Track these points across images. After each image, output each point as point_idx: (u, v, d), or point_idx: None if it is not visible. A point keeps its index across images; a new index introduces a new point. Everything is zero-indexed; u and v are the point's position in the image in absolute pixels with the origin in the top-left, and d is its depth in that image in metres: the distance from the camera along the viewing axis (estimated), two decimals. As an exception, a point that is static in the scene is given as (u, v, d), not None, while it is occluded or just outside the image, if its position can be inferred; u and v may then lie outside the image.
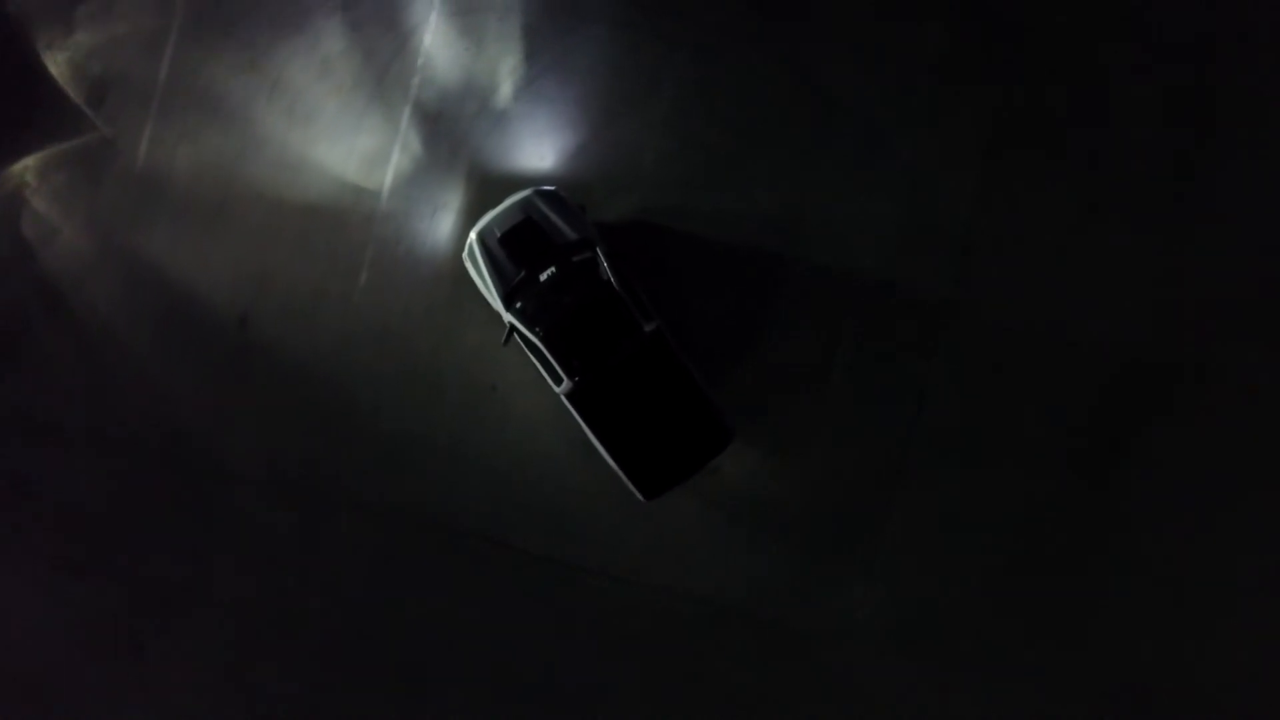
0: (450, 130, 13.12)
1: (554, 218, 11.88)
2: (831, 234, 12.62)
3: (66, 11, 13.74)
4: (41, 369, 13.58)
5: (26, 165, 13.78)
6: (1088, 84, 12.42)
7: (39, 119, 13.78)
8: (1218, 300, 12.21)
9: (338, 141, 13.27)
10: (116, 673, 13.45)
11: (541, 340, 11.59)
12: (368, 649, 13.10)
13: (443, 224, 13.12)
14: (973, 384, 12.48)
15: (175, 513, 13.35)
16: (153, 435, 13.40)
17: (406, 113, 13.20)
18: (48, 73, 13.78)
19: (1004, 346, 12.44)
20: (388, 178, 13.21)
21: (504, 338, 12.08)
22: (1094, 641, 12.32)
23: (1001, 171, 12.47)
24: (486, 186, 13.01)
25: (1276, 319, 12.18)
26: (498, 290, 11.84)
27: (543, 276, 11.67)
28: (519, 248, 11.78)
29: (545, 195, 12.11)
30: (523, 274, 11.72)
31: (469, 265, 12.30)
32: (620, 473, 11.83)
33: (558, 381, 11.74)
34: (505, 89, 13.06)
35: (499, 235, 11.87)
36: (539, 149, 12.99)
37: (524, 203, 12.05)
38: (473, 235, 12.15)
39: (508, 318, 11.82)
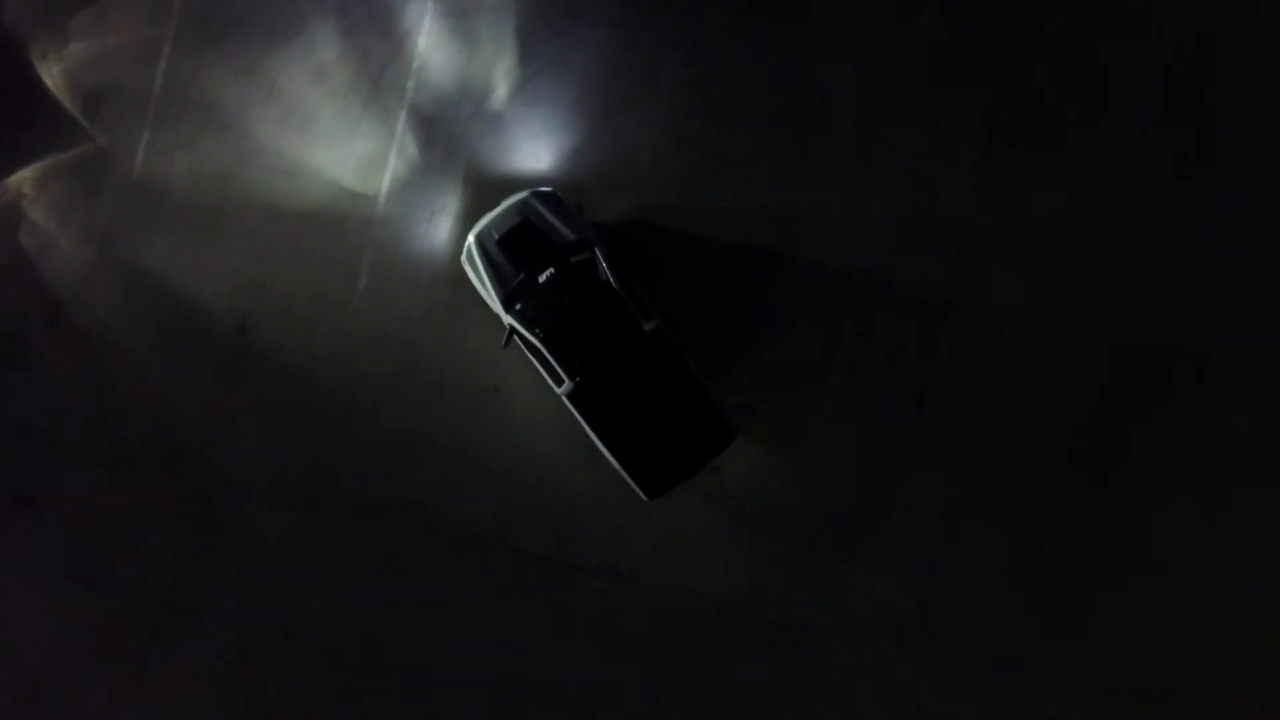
0: (446, 133, 13.13)
1: (552, 219, 11.88)
2: (829, 232, 12.63)
3: (61, 22, 13.75)
4: (42, 378, 13.58)
5: (23, 176, 13.79)
6: (1084, 78, 12.43)
7: (35, 130, 13.80)
8: (1217, 293, 12.20)
9: (334, 147, 13.28)
10: (121, 678, 13.45)
11: (541, 341, 11.60)
12: (371, 651, 13.10)
13: (440, 227, 13.13)
14: (972, 380, 12.47)
15: (177, 518, 13.35)
16: (153, 442, 13.40)
17: (402, 117, 13.21)
18: (43, 84, 13.80)
19: (1003, 342, 12.44)
20: (385, 182, 13.22)
21: (504, 340, 12.08)
22: (1096, 636, 12.30)
23: (999, 167, 12.47)
24: (484, 189, 13.01)
25: (1275, 311, 12.18)
26: (497, 292, 11.84)
27: (541, 278, 11.67)
28: (517, 250, 11.78)
29: (542, 197, 12.12)
30: (521, 276, 11.72)
31: (467, 268, 12.30)
32: (623, 472, 11.83)
33: (558, 382, 11.74)
34: (500, 91, 13.07)
35: (497, 238, 11.87)
36: (535, 150, 12.99)
37: (521, 204, 12.05)
38: (471, 238, 12.16)
39: (507, 320, 11.82)
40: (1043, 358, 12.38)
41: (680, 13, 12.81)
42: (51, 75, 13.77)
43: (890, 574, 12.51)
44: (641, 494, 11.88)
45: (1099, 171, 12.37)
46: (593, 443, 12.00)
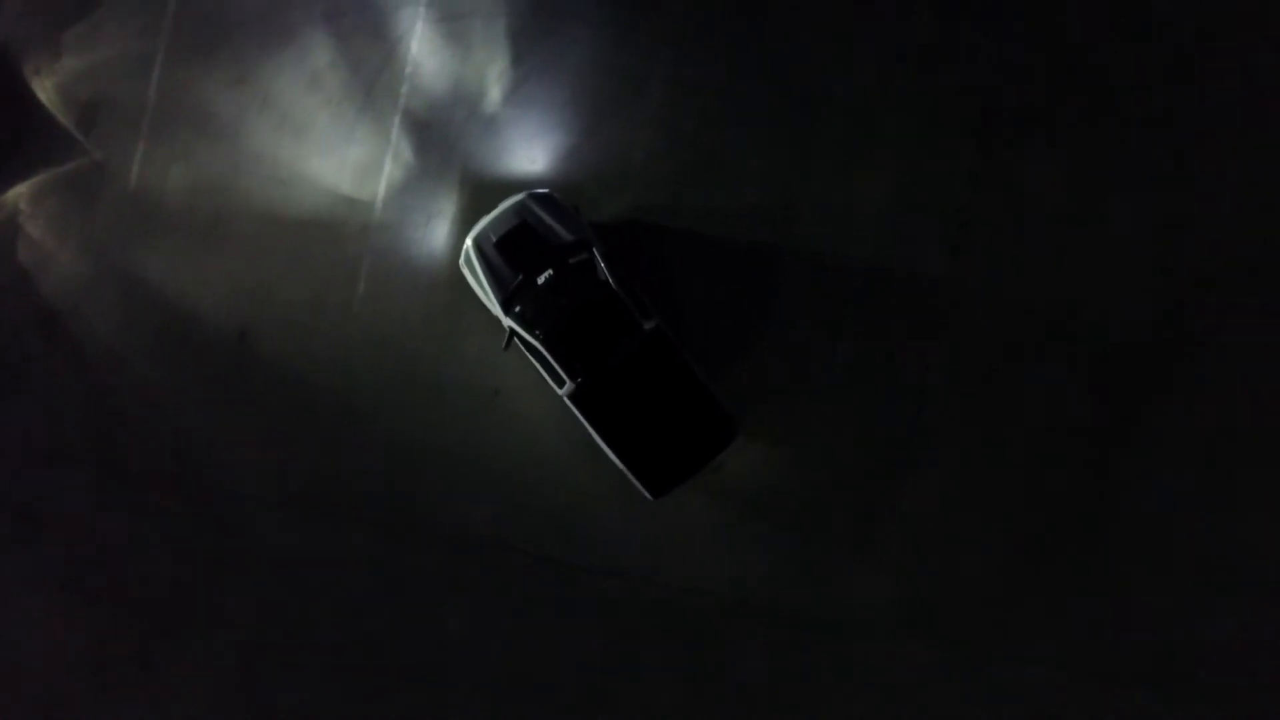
0: (441, 137, 13.14)
1: (549, 220, 11.88)
2: (826, 225, 12.64)
3: (53, 37, 13.74)
4: (43, 393, 13.57)
5: (19, 192, 13.78)
6: (1080, 70, 12.43)
7: (30, 145, 13.78)
8: (1216, 285, 12.22)
9: (329, 154, 13.28)
10: (126, 689, 13.44)
11: (542, 343, 11.61)
12: (376, 656, 13.09)
13: (438, 231, 13.13)
14: (974, 369, 12.49)
15: (180, 528, 13.34)
16: (156, 453, 13.40)
17: (397, 122, 13.21)
18: (36, 99, 13.79)
19: (1004, 330, 12.45)
20: (381, 188, 13.22)
21: (504, 342, 12.09)
22: (1105, 623, 12.32)
23: (995, 161, 12.48)
24: (480, 192, 13.02)
25: (1274, 302, 12.19)
26: (496, 295, 11.85)
27: (540, 279, 11.68)
28: (515, 252, 11.79)
29: (539, 198, 12.12)
30: (520, 278, 11.73)
31: (466, 272, 12.31)
32: (627, 472, 11.84)
33: (560, 383, 11.75)
34: (494, 94, 13.08)
35: (495, 240, 11.88)
36: (530, 152, 13.00)
37: (518, 207, 12.06)
38: (468, 241, 12.16)
39: (507, 322, 11.83)
40: (1044, 340, 12.40)
41: (671, 11, 12.82)
42: (45, 90, 13.77)
43: (894, 569, 12.53)
44: (645, 493, 11.89)
45: (1096, 164, 12.38)
46: (595, 443, 12.00)
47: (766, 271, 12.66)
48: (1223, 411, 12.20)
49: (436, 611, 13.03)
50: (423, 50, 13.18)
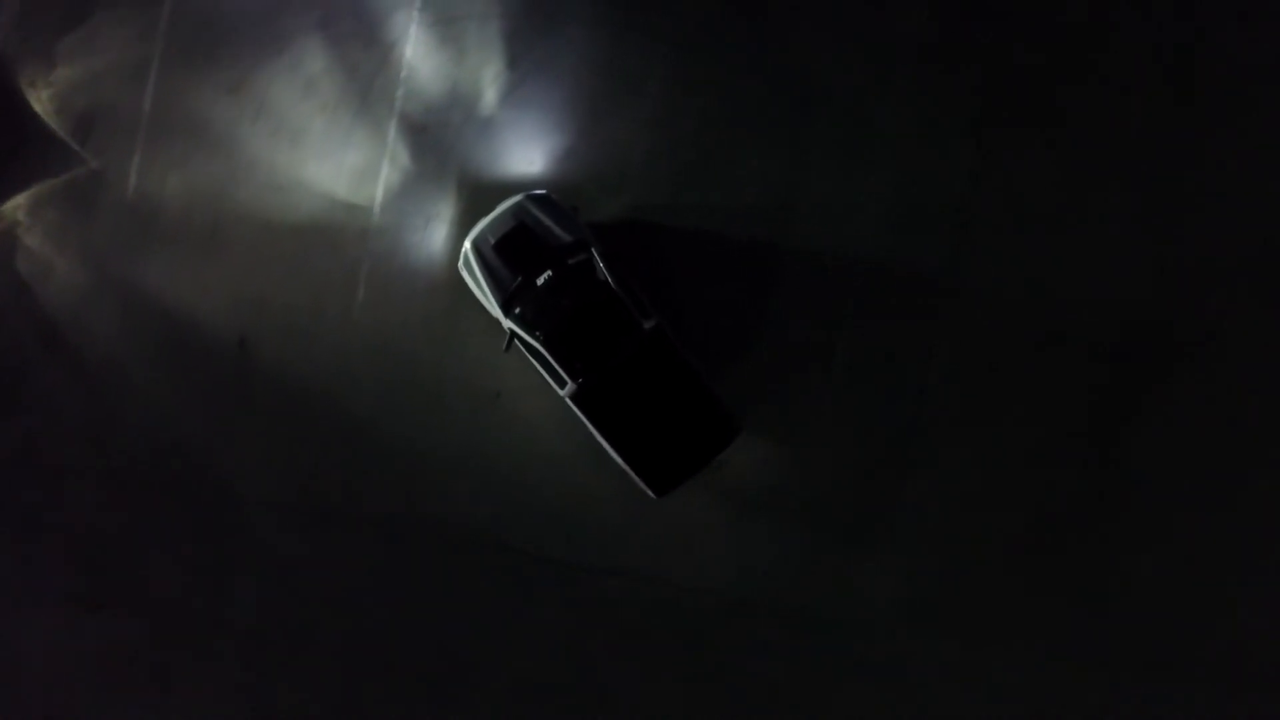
0: (438, 141, 13.13)
1: (547, 221, 11.89)
2: (826, 224, 12.63)
3: (47, 47, 13.74)
4: (44, 404, 13.58)
5: (17, 204, 13.79)
6: (1076, 59, 12.43)
7: (26, 156, 13.79)
8: (1215, 278, 12.22)
9: (326, 159, 13.28)
10: (138, 704, 13.45)
11: (542, 344, 11.61)
12: (381, 660, 13.10)
13: (436, 235, 13.13)
14: (974, 368, 12.49)
15: (183, 536, 13.36)
16: (158, 462, 13.40)
17: (393, 126, 13.21)
18: (32, 110, 13.79)
19: (1004, 329, 12.44)
20: (378, 192, 13.22)
21: (505, 344, 12.10)
22: (1106, 620, 12.33)
23: (992, 155, 12.48)
24: (477, 194, 13.02)
25: (1273, 295, 12.19)
26: (495, 297, 11.86)
27: (540, 281, 11.68)
28: (514, 254, 11.79)
29: (537, 199, 12.12)
30: (519, 279, 11.73)
31: (465, 274, 12.31)
32: (629, 471, 11.84)
33: (561, 384, 11.76)
34: (490, 96, 13.07)
35: (493, 242, 11.88)
36: (527, 154, 13.00)
37: (516, 208, 12.06)
38: (467, 244, 12.17)
39: (507, 324, 11.83)
40: (1045, 331, 12.40)
41: (666, 10, 12.81)
42: (40, 100, 13.77)
43: (895, 567, 12.53)
44: (649, 492, 11.90)
45: (1095, 162, 12.37)
46: (597, 443, 12.01)
47: (766, 271, 12.66)
48: (1223, 410, 12.20)
49: (439, 613, 13.03)
50: (417, 54, 13.18)
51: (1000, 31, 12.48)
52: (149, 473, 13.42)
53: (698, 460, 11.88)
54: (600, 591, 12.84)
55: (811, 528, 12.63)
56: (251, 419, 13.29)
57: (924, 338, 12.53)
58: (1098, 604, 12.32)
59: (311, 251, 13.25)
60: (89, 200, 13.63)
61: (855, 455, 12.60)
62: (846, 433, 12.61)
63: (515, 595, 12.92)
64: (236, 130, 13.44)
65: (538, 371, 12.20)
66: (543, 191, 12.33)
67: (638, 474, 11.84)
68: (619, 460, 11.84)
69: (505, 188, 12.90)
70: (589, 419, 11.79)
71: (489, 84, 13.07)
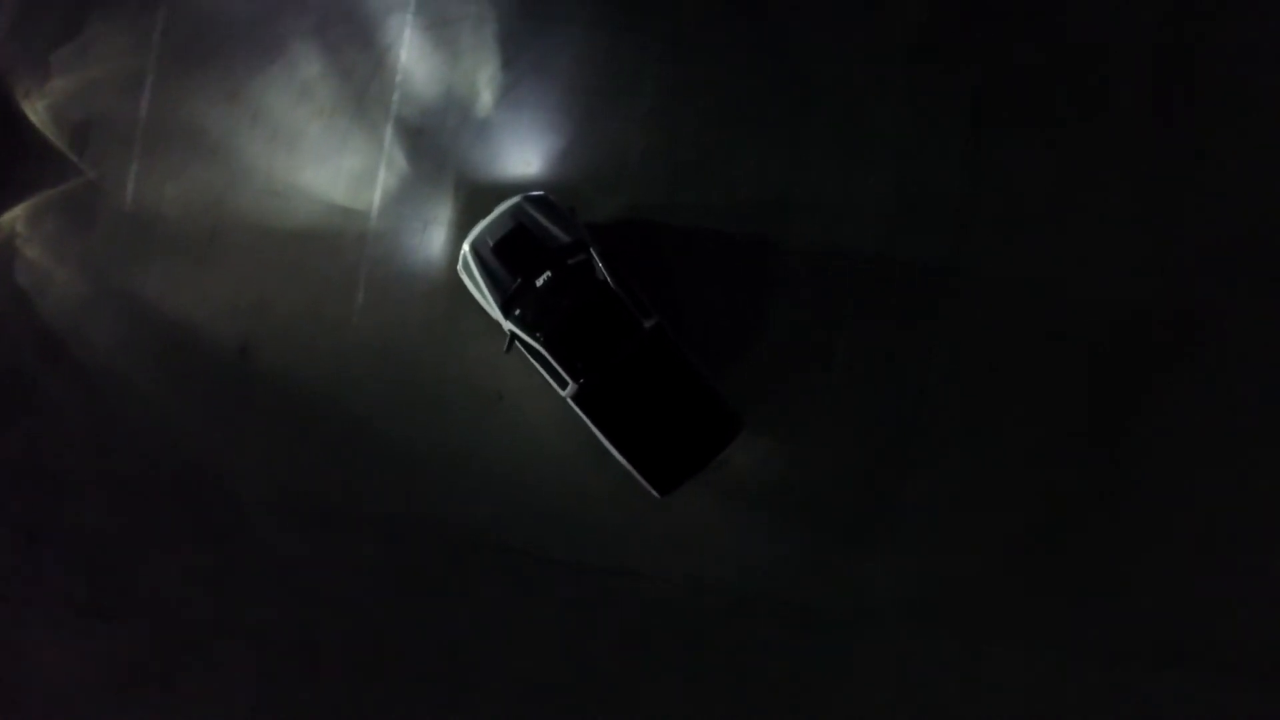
0: (434, 144, 13.14)
1: (545, 222, 11.90)
2: (824, 222, 12.64)
3: (42, 58, 13.75)
4: (46, 414, 13.58)
5: (15, 215, 13.79)
6: (1074, 55, 12.43)
7: (23, 167, 13.79)
8: (1213, 269, 12.23)
9: (323, 165, 13.29)
10: (140, 705, 13.44)
11: (543, 345, 11.62)
12: (387, 662, 13.11)
13: (435, 237, 13.14)
14: (974, 366, 12.49)
15: (188, 543, 13.36)
16: (162, 470, 13.41)
17: (389, 130, 13.23)
18: (28, 121, 13.80)
19: (1003, 326, 12.45)
20: (376, 196, 13.23)
21: (505, 346, 12.10)
22: (1107, 616, 12.33)
23: (991, 150, 12.49)
24: (475, 197, 13.03)
25: (1275, 288, 12.20)
26: (495, 299, 11.86)
27: (539, 282, 11.69)
28: (513, 255, 11.80)
29: (534, 201, 12.13)
30: (519, 281, 11.74)
31: (464, 277, 12.32)
32: (632, 470, 11.84)
33: (562, 385, 11.76)
34: (485, 98, 13.09)
35: (492, 244, 11.89)
36: (524, 155, 13.01)
37: (514, 210, 12.07)
38: (466, 246, 12.17)
39: (507, 326, 11.84)
40: (1046, 323, 12.41)
41: (660, 9, 12.83)
42: (36, 112, 13.78)
43: (897, 565, 12.53)
44: (652, 491, 11.90)
45: (1094, 158, 12.37)
46: (600, 443, 12.01)
47: (764, 269, 12.67)
48: (1223, 409, 12.20)
49: (439, 613, 13.03)
50: (412, 57, 13.19)
51: (1000, 31, 12.50)
52: (153, 480, 13.42)
53: (701, 458, 11.88)
54: (601, 591, 12.83)
55: (812, 527, 12.63)
56: (252, 422, 13.29)
57: (924, 338, 12.53)
58: (1098, 604, 12.32)
59: (310, 257, 13.26)
60: (87, 210, 13.64)
61: (855, 455, 12.59)
62: (846, 433, 12.61)
63: (516, 595, 12.92)
64: (233, 137, 13.45)
65: (539, 373, 12.20)
66: (540, 192, 12.34)
67: (641, 473, 11.84)
68: (622, 460, 11.84)
69: (502, 189, 12.91)
70: (591, 419, 11.79)
71: (484, 86, 13.09)
